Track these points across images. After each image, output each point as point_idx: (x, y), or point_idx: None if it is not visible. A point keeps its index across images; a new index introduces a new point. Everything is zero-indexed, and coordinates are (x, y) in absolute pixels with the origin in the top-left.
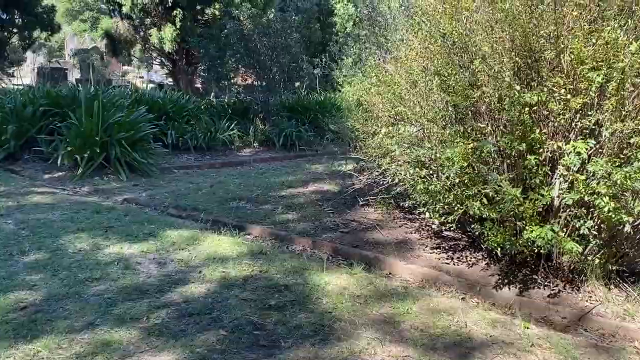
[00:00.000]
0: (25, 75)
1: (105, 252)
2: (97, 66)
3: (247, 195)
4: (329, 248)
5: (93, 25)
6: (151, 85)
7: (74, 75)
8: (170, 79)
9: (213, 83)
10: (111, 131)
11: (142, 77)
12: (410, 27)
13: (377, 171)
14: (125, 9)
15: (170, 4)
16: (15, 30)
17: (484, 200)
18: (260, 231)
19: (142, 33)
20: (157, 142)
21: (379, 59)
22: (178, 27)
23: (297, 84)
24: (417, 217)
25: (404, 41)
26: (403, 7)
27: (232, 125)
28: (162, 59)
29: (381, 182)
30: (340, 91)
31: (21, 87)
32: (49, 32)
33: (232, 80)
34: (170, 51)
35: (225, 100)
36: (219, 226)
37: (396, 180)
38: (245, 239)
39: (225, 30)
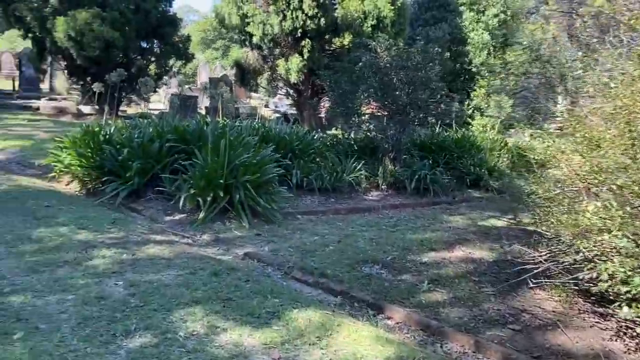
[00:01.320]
0: (161, 100)
1: (221, 339)
2: (225, 97)
3: (381, 258)
4: (498, 356)
5: (224, 53)
6: (276, 115)
7: (204, 102)
8: (294, 109)
9: (341, 118)
10: (236, 173)
11: (267, 106)
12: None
13: (565, 250)
14: (255, 39)
15: (299, 35)
16: (153, 59)
17: None
18: (404, 316)
19: (270, 63)
20: (281, 183)
21: (577, 107)
22: (305, 57)
23: (431, 119)
24: (610, 308)
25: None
26: (579, 38)
27: (360, 165)
28: (288, 88)
29: (559, 258)
30: (470, 124)
31: (157, 111)
32: (184, 61)
33: (363, 117)
34: (295, 81)
35: (352, 136)
36: (353, 303)
37: (605, 278)
38: (387, 328)
39: (360, 63)
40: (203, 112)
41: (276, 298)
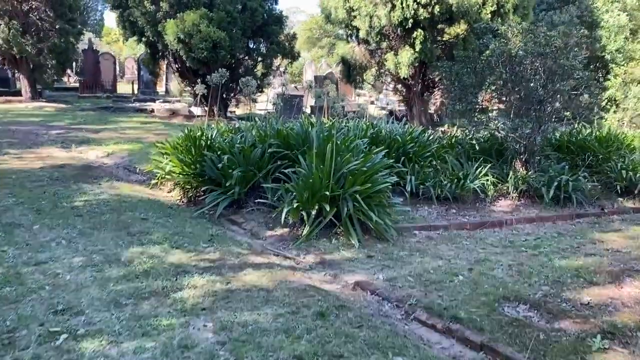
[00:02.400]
0: (269, 100)
1: None
2: (331, 95)
3: (528, 294)
4: None
5: (329, 51)
6: (384, 112)
7: (308, 101)
8: (402, 105)
9: (461, 115)
10: (344, 182)
11: (373, 103)
12: None
13: None
14: (361, 34)
15: (410, 25)
16: (259, 59)
17: None
18: None
19: (377, 58)
20: (393, 190)
21: None
22: (417, 50)
23: (567, 114)
24: None
25: None
26: None
27: (485, 170)
28: (396, 83)
29: None
30: (603, 118)
31: (264, 111)
32: (290, 60)
33: (490, 113)
34: (405, 76)
35: (473, 135)
36: None
37: None
38: None
39: (487, 52)
40: (308, 111)
41: (399, 355)
